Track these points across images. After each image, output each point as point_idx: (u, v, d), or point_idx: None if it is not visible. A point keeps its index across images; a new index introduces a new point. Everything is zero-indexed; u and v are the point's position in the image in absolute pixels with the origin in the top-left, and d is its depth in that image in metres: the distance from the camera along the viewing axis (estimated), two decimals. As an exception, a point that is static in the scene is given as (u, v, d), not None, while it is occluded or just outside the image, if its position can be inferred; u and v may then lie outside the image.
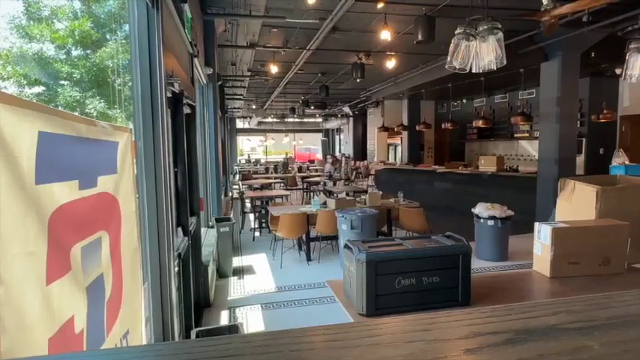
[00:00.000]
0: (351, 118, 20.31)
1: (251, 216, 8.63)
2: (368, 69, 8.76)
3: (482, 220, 5.55)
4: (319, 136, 27.47)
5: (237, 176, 15.43)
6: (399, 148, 15.61)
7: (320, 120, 25.16)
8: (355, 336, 0.48)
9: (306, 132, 27.06)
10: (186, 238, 3.33)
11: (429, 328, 0.46)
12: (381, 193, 6.90)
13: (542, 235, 2.11)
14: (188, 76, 4.06)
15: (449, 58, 2.04)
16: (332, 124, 24.24)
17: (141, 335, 1.92)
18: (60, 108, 1.94)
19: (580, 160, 9.65)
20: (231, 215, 9.67)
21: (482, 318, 0.49)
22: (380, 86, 12.92)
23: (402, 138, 14.64)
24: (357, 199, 6.87)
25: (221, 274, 5.32)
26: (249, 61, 9.28)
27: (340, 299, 1.85)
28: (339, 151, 23.70)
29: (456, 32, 2.05)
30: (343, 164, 16.66)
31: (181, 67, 3.35)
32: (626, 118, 9.95)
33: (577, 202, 2.92)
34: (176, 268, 2.92)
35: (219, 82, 8.15)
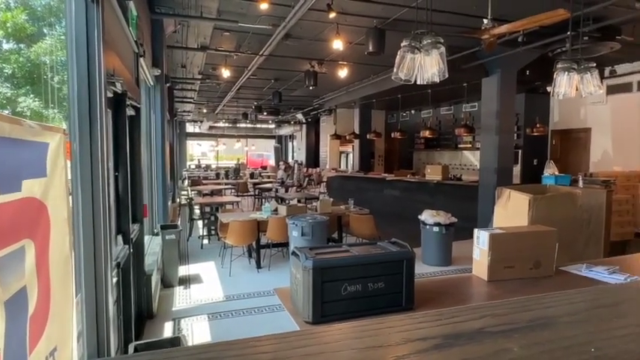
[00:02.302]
0: (304, 125, 20.40)
1: (200, 223, 8.37)
2: (321, 77, 8.86)
3: (427, 227, 5.77)
4: (272, 142, 27.32)
5: (186, 182, 14.93)
6: (350, 156, 15.88)
7: (273, 126, 25.06)
8: (288, 346, 0.47)
9: (259, 138, 26.82)
10: (127, 246, 3.15)
11: (361, 336, 0.46)
12: (332, 199, 6.97)
13: (481, 240, 2.23)
14: (133, 76, 3.88)
15: (395, 70, 2.11)
16: (285, 130, 24.23)
17: (71, 352, 1.78)
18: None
19: (517, 169, 10.33)
20: (179, 222, 9.32)
21: (413, 324, 0.50)
22: (332, 94, 13.10)
23: (353, 146, 14.91)
24: (309, 205, 6.88)
25: (166, 284, 5.09)
26: (200, 64, 9.06)
27: (287, 307, 1.83)
28: (292, 158, 23.70)
29: (402, 45, 2.13)
30: (296, 171, 16.68)
31: (125, 67, 3.19)
32: (556, 132, 10.82)
33: (512, 210, 3.13)
34: (115, 279, 2.75)
35: (168, 84, 7.88)
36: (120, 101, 3.08)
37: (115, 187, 3.13)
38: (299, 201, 8.00)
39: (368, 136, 13.15)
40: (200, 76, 10.21)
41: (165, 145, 7.41)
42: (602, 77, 9.27)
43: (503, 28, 3.69)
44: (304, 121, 19.47)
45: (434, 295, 2.01)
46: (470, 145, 12.70)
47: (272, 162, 25.91)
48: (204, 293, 4.93)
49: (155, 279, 4.38)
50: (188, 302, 4.69)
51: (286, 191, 11.68)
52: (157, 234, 5.41)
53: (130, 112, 3.56)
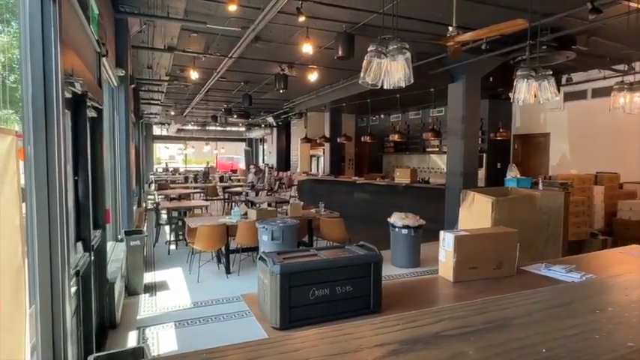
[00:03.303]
0: (275, 129, 20.31)
1: (167, 228, 8.14)
2: (291, 80, 8.85)
3: (397, 229, 5.85)
4: (242, 146, 27.03)
5: (153, 186, 14.53)
6: (321, 159, 15.93)
7: (243, 129, 24.80)
8: (246, 357, 0.46)
9: (229, 141, 26.45)
10: (88, 253, 3.02)
11: (317, 344, 0.45)
12: (302, 203, 6.96)
13: (447, 242, 2.28)
14: (94, 77, 3.74)
15: (362, 74, 2.14)
16: (255, 133, 24.03)
17: (24, 367, 1.68)
18: None
19: (482, 173, 10.68)
20: (145, 228, 9.05)
21: (372, 330, 0.50)
22: (303, 98, 13.11)
23: (324, 149, 14.98)
24: (279, 209, 6.84)
25: (130, 292, 4.92)
26: (167, 65, 8.84)
27: (255, 313, 1.80)
28: (263, 161, 23.52)
29: (368, 50, 2.16)
30: (266, 174, 16.55)
31: (86, 67, 3.07)
32: (517, 137, 11.27)
33: (476, 212, 3.23)
34: (74, 288, 2.63)
35: (133, 85, 7.65)
36: (80, 102, 2.96)
37: (74, 192, 3.00)
38: (269, 205, 7.93)
39: (338, 140, 13.24)
40: (167, 78, 9.97)
41: (131, 147, 7.19)
42: (559, 85, 9.77)
43: (467, 36, 3.81)
44: (275, 124, 19.39)
45: (401, 297, 2.03)
46: (437, 149, 13.01)
47: (242, 165, 25.61)
48: (171, 300, 4.79)
49: (119, 287, 4.22)
50: (154, 310, 4.54)
51: (257, 195, 11.57)
52: (121, 240, 5.22)
53: (91, 113, 3.43)
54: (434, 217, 7.46)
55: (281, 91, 8.76)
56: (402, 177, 9.94)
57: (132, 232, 5.21)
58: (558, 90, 10.48)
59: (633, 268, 2.40)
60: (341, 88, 10.50)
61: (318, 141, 14.27)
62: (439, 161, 13.11)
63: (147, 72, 9.41)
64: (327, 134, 14.06)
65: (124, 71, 5.54)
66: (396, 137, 11.55)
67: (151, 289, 5.18)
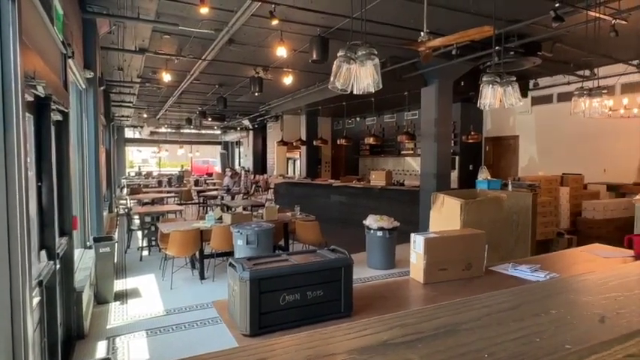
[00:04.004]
0: (251, 132, 20.17)
1: (139, 234, 7.95)
2: (266, 83, 8.82)
3: (372, 231, 5.90)
4: (218, 149, 26.70)
5: (125, 190, 14.18)
6: (297, 162, 15.92)
7: (219, 132, 24.52)
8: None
9: (204, 144, 26.08)
10: (52, 262, 2.91)
11: (265, 357, 0.45)
12: (278, 206, 6.92)
13: (417, 245, 2.31)
14: (60, 79, 3.62)
15: (332, 79, 2.15)
16: (231, 136, 23.79)
17: (-20, 383, 1.60)
18: None
19: (454, 175, 10.91)
20: (116, 234, 8.80)
21: (322, 339, 0.50)
22: (278, 101, 13.08)
23: (300, 152, 14.97)
24: (255, 213, 6.79)
25: (100, 300, 4.77)
26: (139, 67, 8.65)
27: (225, 320, 1.78)
28: (239, 165, 23.30)
29: (338, 55, 2.18)
30: (243, 178, 16.40)
31: (50, 69, 2.96)
32: (488, 140, 11.58)
33: (446, 214, 3.29)
34: (37, 298, 2.53)
35: (103, 87, 7.45)
36: (43, 105, 2.86)
37: (37, 199, 2.89)
38: (245, 208, 7.87)
39: (315, 143, 13.27)
40: (139, 80, 9.76)
41: (100, 151, 6.99)
42: (527, 89, 10.12)
43: (437, 42, 3.90)
44: (251, 127, 19.25)
45: (373, 300, 2.05)
46: (412, 152, 13.22)
47: (218, 169, 25.30)
48: (143, 308, 4.68)
49: (87, 295, 4.09)
50: (124, 318, 4.42)
51: (232, 199, 11.44)
52: (90, 247, 5.06)
53: (56, 116, 3.32)
54: (409, 219, 7.57)
55: (256, 94, 8.71)
56: (377, 179, 10.04)
57: (101, 238, 5.06)
58: (526, 94, 10.87)
59: (593, 266, 2.50)
60: (316, 91, 10.53)
61: (294, 144, 14.26)
62: (414, 164, 13.32)
63: (118, 74, 9.18)
64: (304, 137, 14.07)
65: (92, 73, 5.39)
66: (371, 140, 11.67)
67: (121, 296, 5.03)
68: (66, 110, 3.53)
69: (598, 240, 3.87)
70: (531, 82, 9.90)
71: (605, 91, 3.57)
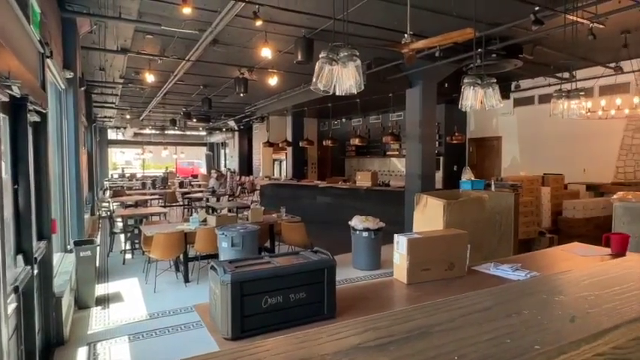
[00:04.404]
0: (237, 133, 20.03)
1: (122, 237, 7.81)
2: (252, 84, 8.77)
3: (357, 232, 5.92)
4: (203, 150, 26.45)
5: (108, 193, 13.93)
6: (284, 164, 15.88)
7: (204, 133, 24.30)
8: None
9: (189, 145, 25.80)
10: (30, 267, 2.83)
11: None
12: (263, 208, 6.89)
13: (400, 245, 2.33)
14: (37, 79, 3.53)
15: (314, 80, 2.15)
16: (216, 137, 23.60)
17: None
18: None
19: (439, 175, 11.02)
20: (98, 237, 8.64)
21: (294, 344, 0.49)
22: (264, 102, 13.03)
23: (286, 153, 14.93)
24: (240, 215, 6.74)
25: (81, 305, 4.67)
26: (121, 68, 8.51)
27: (206, 323, 1.75)
28: (225, 166, 23.12)
29: (320, 56, 2.18)
30: (228, 179, 16.28)
31: (26, 68, 2.89)
32: (472, 140, 11.74)
33: (429, 214, 3.33)
34: (12, 305, 2.46)
35: (84, 88, 7.31)
36: (19, 106, 2.79)
37: (13, 202, 2.82)
38: (230, 210, 7.81)
39: (301, 144, 13.26)
40: (122, 80, 9.60)
41: (81, 153, 6.85)
42: (509, 91, 10.29)
43: (421, 44, 3.93)
44: (236, 128, 19.13)
45: (356, 301, 2.05)
46: (397, 153, 13.31)
47: (203, 170, 25.06)
48: (126, 312, 4.59)
49: (67, 300, 3.99)
50: (106, 324, 4.33)
51: (218, 200, 11.35)
52: (70, 251, 4.95)
53: (33, 117, 3.24)
54: (394, 220, 7.61)
55: (241, 94, 8.66)
56: (363, 180, 10.08)
57: (82, 242, 4.96)
58: (508, 96, 11.03)
59: (571, 265, 2.55)
60: (302, 92, 10.53)
61: (280, 145, 14.21)
62: (399, 164, 13.41)
63: (99, 74, 9.02)
64: (290, 138, 14.04)
65: (72, 73, 5.28)
66: (357, 141, 11.71)
67: (103, 301, 4.94)
68: (44, 111, 3.44)
69: (578, 239, 3.96)
70: (513, 84, 10.08)
71: (582, 93, 3.65)
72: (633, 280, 0.77)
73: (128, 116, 16.91)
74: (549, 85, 9.13)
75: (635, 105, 6.53)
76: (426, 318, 0.57)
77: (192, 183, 17.24)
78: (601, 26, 5.13)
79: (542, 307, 0.62)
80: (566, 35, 4.34)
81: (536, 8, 4.70)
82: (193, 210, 11.00)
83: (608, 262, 2.37)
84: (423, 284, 2.26)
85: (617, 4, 4.83)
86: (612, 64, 7.66)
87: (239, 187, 15.81)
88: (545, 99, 9.42)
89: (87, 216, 8.16)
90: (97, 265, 6.13)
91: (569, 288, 0.76)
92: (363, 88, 2.15)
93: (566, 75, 7.34)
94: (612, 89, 8.29)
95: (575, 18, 4.46)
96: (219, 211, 8.06)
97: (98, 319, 4.45)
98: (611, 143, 8.52)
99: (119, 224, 8.12)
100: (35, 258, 3.00)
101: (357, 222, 5.93)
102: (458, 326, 0.54)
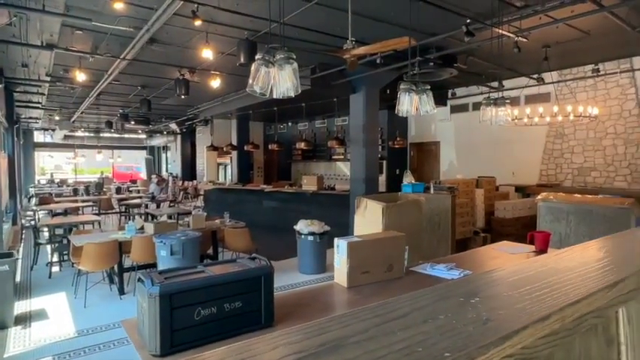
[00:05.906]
0: (179, 136, 19.29)
1: (48, 248, 7.19)
2: (194, 86, 8.48)
3: (303, 236, 5.90)
4: (143, 154, 25.17)
5: (34, 200, 12.82)
6: (229, 168, 15.53)
7: (144, 136, 23.15)
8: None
9: (127, 149, 24.44)
10: None
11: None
12: (205, 214, 6.67)
13: (341, 249, 2.33)
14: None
15: (250, 81, 2.10)
16: (157, 141, 22.59)
17: None
18: None
19: (382, 179, 11.33)
20: (21, 248, 7.91)
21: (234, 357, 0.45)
22: (208, 105, 12.66)
23: (231, 158, 14.62)
24: (181, 221, 6.47)
25: (-4, 326, 4.22)
26: (47, 65, 7.85)
27: (134, 340, 1.64)
28: (167, 171, 22.16)
29: (256, 57, 2.13)
30: (170, 184, 15.61)
31: None
32: (413, 145, 12.22)
33: (369, 218, 3.39)
34: None
35: (1, 85, 6.67)
36: None
37: None
38: (170, 217, 7.47)
39: (246, 148, 13.04)
40: (48, 79, 8.87)
41: (0, 156, 6.22)
42: (447, 98, 10.83)
43: (361, 50, 4.01)
44: (179, 131, 18.43)
45: (296, 307, 2.02)
46: (342, 157, 13.52)
47: (144, 175, 23.84)
48: (50, 331, 4.21)
49: (-22, 322, 3.58)
50: (27, 344, 3.94)
51: (158, 207, 10.82)
52: (-17, 266, 4.45)
53: None
54: (340, 223, 7.68)
55: (182, 96, 8.33)
56: (309, 184, 10.10)
57: (-1, 255, 4.48)
58: (445, 103, 11.59)
59: (499, 262, 2.71)
60: (247, 96, 10.32)
61: (225, 149, 13.88)
62: (344, 168, 13.62)
63: (22, 71, 8.26)
64: (235, 142, 13.76)
65: (-14, 69, 4.78)
66: (303, 145, 11.74)
67: (24, 320, 4.50)
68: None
69: (508, 237, 4.22)
70: (450, 92, 10.62)
71: (508, 101, 3.92)
72: (545, 278, 0.80)
73: (57, 117, 15.66)
74: (482, 93, 9.72)
75: (555, 113, 7.13)
76: (341, 329, 0.55)
77: (131, 189, 16.35)
78: (525, 40, 5.55)
79: (459, 311, 0.62)
80: (495, 47, 4.64)
81: (468, 21, 4.99)
82: (131, 217, 10.40)
83: (526, 260, 2.53)
84: (363, 287, 2.28)
85: (538, 20, 5.26)
86: (535, 76, 8.32)
87: (182, 193, 15.22)
88: (478, 106, 9.93)
89: (6, 226, 7.43)
90: (18, 280, 5.60)
91: (486, 289, 0.78)
92: (300, 91, 2.13)
93: (496, 84, 7.87)
94: (536, 98, 9.02)
95: (501, 31, 4.78)
96: (158, 217, 7.68)
97: (17, 339, 4.04)
98: (535, 148, 9.25)
99: (45, 234, 7.47)
100: (-64, 276, 2.65)
101: (302, 226, 5.91)
102: (372, 336, 0.53)
